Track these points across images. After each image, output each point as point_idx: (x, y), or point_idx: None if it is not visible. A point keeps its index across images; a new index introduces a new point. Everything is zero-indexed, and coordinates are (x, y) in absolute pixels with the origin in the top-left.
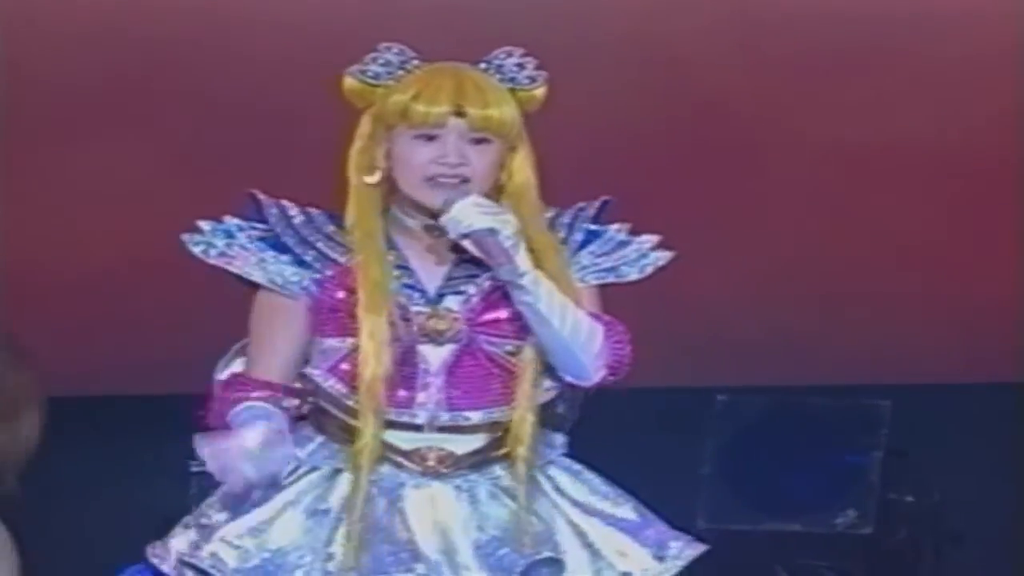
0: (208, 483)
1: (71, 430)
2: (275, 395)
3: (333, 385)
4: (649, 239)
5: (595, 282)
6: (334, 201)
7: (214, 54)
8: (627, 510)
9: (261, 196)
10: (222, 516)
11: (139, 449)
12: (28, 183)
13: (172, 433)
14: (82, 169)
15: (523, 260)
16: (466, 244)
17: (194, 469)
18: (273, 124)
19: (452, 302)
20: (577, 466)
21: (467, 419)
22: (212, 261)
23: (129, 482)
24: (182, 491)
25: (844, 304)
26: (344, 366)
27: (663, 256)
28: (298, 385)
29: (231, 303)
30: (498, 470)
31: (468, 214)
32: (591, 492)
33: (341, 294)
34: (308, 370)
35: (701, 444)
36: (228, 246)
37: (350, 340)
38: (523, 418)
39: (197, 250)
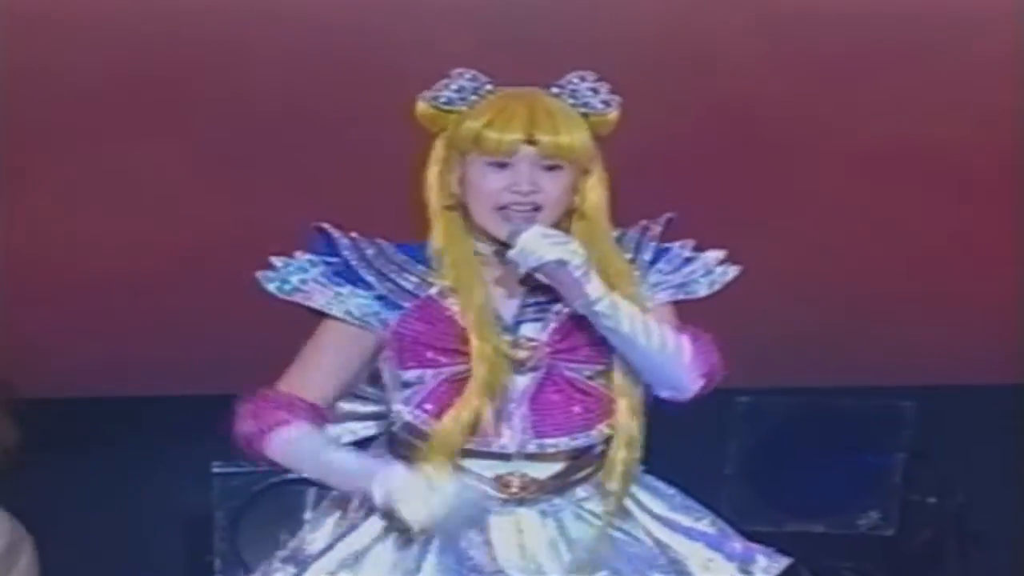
0: (232, 484)
1: (96, 431)
2: (321, 419)
3: (419, 418)
4: (715, 255)
5: (667, 299)
6: (411, 226)
7: (231, 52)
8: (707, 524)
9: (331, 229)
10: (316, 546)
11: (162, 450)
12: (38, 185)
13: (195, 434)
14: (93, 172)
15: (596, 287)
16: (539, 276)
17: (216, 470)
18: (287, 124)
19: (529, 330)
20: (656, 482)
21: (553, 446)
22: (286, 297)
23: (152, 483)
24: (204, 492)
25: (867, 305)
26: (430, 400)
27: (730, 271)
28: (371, 409)
29: (253, 306)
30: (580, 492)
31: (537, 246)
32: (671, 508)
33: (421, 327)
34: (396, 405)
35: (723, 446)
36: (302, 282)
37: (430, 372)
38: (617, 453)
39: (271, 287)
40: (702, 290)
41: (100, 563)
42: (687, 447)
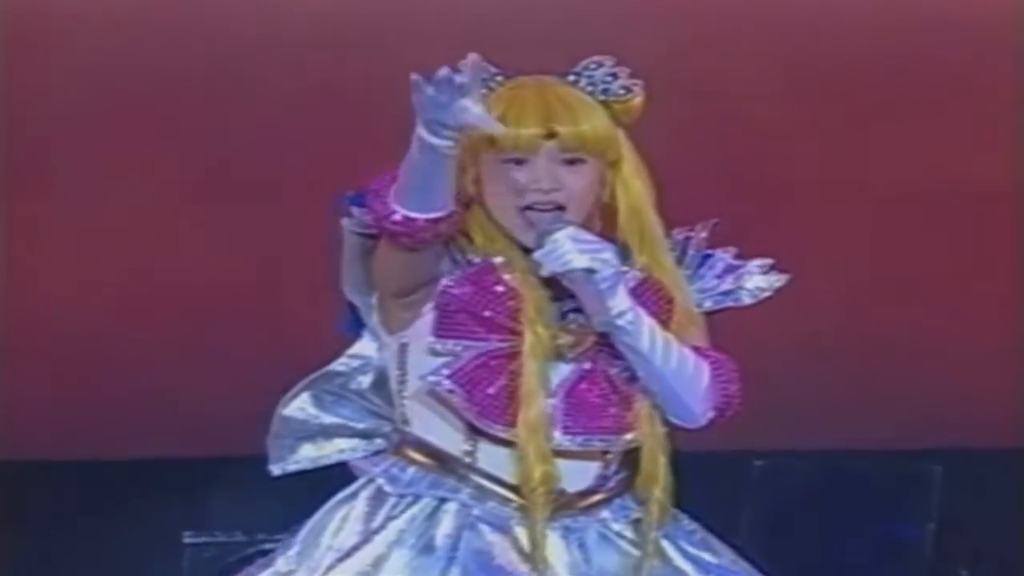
0: (204, 555)
1: (60, 497)
2: None
3: (456, 395)
4: (762, 263)
5: (712, 307)
6: None
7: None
8: (730, 562)
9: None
10: (310, 562)
11: (130, 518)
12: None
13: (165, 501)
14: (86, 213)
15: (621, 299)
16: (563, 281)
17: (187, 540)
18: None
19: (576, 318)
20: (677, 512)
21: (577, 443)
22: (366, 231)
23: (120, 553)
24: (175, 563)
25: (890, 362)
26: (459, 373)
27: (777, 279)
28: (363, 426)
29: (228, 370)
30: (605, 513)
31: (565, 250)
32: (692, 543)
33: (471, 290)
34: (432, 377)
35: (737, 513)
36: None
37: (465, 342)
38: (654, 457)
39: (354, 227)
40: (747, 298)
41: None
42: (697, 514)
